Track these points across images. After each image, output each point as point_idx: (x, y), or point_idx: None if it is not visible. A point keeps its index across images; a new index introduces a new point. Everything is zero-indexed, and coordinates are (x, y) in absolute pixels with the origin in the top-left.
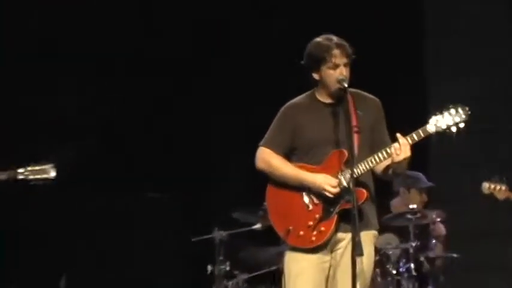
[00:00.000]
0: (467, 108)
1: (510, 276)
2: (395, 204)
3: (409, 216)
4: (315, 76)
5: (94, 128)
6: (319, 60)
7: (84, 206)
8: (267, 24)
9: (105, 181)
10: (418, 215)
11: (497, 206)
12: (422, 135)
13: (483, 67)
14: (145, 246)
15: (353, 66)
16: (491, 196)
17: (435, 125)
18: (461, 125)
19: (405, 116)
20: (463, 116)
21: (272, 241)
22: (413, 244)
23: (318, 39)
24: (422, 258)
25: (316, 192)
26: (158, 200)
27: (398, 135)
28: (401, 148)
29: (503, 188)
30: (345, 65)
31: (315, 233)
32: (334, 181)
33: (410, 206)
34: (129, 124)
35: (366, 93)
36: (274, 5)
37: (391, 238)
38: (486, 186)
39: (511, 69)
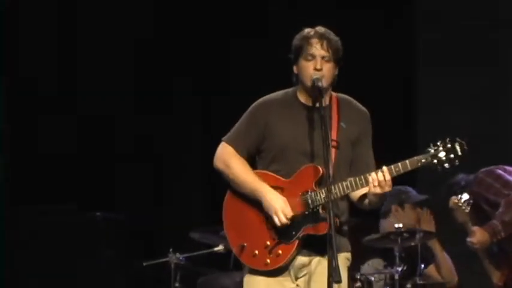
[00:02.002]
0: (464, 144)
1: None
2: (386, 225)
3: (392, 237)
4: (295, 70)
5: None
6: (297, 49)
7: (22, 225)
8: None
9: (46, 198)
10: (405, 235)
11: None
12: (409, 167)
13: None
14: (90, 272)
15: (341, 69)
16: (453, 213)
17: (426, 158)
18: (456, 163)
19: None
20: (459, 153)
21: (237, 265)
22: (399, 269)
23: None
24: (409, 286)
25: (269, 213)
26: (103, 219)
27: (384, 168)
28: (380, 182)
29: (466, 210)
30: (324, 59)
31: (271, 255)
32: (290, 213)
33: (396, 226)
34: (76, 138)
35: (355, 102)
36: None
37: (378, 263)
38: (454, 200)
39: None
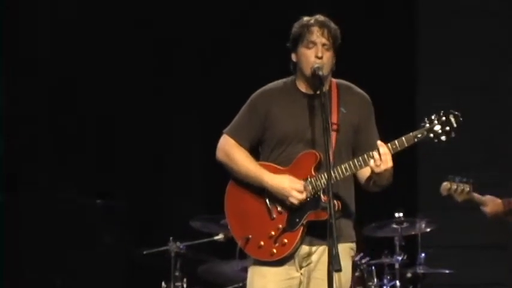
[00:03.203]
0: (459, 115)
1: None
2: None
3: (394, 226)
4: (293, 58)
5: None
6: (296, 37)
7: (22, 212)
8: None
9: (46, 185)
10: (405, 224)
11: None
12: (406, 143)
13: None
14: (90, 260)
15: (340, 55)
16: (450, 198)
17: (422, 132)
18: (452, 135)
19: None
20: (455, 125)
21: (242, 254)
22: (400, 258)
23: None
24: (409, 275)
25: (280, 198)
26: (104, 207)
27: (379, 142)
28: (382, 158)
29: (467, 188)
30: (324, 47)
31: (276, 245)
32: (300, 185)
33: (396, 215)
34: (78, 125)
35: (355, 87)
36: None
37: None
38: (446, 187)
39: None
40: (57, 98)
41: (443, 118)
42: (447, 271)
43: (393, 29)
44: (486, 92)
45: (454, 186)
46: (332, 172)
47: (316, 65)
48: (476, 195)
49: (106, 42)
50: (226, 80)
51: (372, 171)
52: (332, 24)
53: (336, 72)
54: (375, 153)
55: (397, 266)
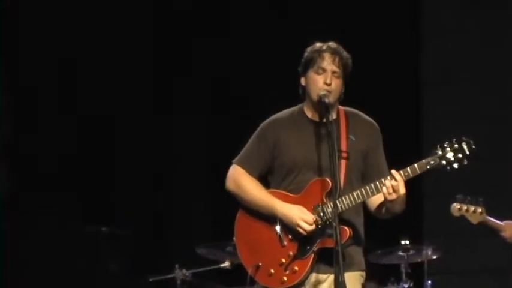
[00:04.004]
0: (472, 143)
1: None
2: None
3: (400, 253)
4: (302, 82)
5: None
6: (308, 61)
7: (25, 239)
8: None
9: (52, 212)
10: (411, 251)
11: (497, 243)
12: (418, 170)
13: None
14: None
15: (349, 84)
16: (464, 218)
17: (435, 159)
18: (465, 162)
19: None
20: (467, 152)
21: (243, 282)
22: (406, 285)
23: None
24: None
25: (291, 226)
26: (109, 234)
27: (393, 171)
28: (394, 185)
29: (479, 210)
30: (334, 74)
31: (287, 272)
32: (310, 217)
33: (403, 242)
34: (82, 151)
35: (363, 115)
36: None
37: None
38: (456, 207)
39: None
40: (58, 117)
41: (456, 145)
42: None
43: (398, 57)
44: (495, 120)
45: (465, 207)
46: (344, 199)
47: (322, 92)
48: (492, 220)
49: (106, 43)
50: (236, 109)
51: (385, 199)
52: (344, 53)
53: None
54: (387, 181)
55: None
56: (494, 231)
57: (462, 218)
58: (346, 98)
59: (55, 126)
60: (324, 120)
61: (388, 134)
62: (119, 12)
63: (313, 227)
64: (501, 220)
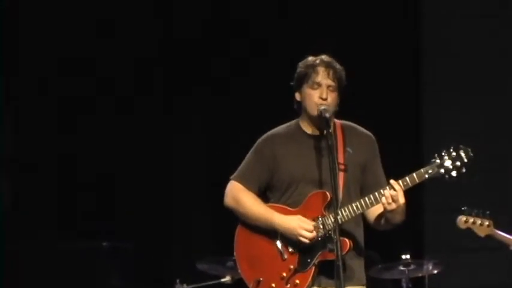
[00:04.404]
0: (469, 151)
1: None
2: None
3: (401, 267)
4: (297, 97)
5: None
6: (302, 76)
7: (25, 256)
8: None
9: (49, 227)
10: (412, 266)
11: (499, 259)
12: (417, 180)
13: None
14: None
15: (344, 96)
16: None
17: (433, 168)
18: (463, 170)
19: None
20: (465, 160)
21: None
22: None
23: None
24: None
25: (290, 238)
26: (110, 248)
27: (391, 181)
28: (393, 195)
29: (486, 223)
30: (329, 88)
31: (288, 286)
32: (310, 225)
33: (404, 257)
34: (79, 162)
35: (358, 127)
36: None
37: None
38: (462, 220)
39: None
40: (55, 128)
41: (454, 153)
42: None
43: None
44: (493, 135)
45: (471, 220)
46: (343, 211)
47: (322, 107)
48: (500, 233)
49: (106, 42)
50: (234, 119)
51: (385, 209)
52: (338, 65)
53: (340, 111)
54: (386, 191)
55: None
56: (502, 245)
57: (464, 233)
58: (346, 102)
59: (55, 132)
60: (325, 133)
61: (388, 138)
62: (121, 11)
63: (314, 234)
64: (510, 234)
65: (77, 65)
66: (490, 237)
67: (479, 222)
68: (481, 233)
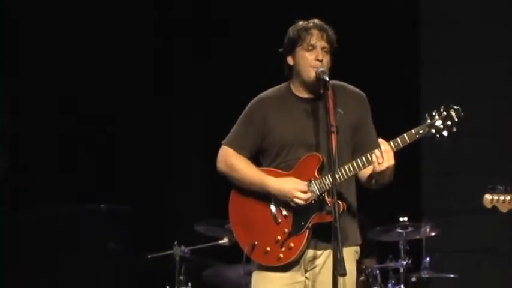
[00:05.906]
0: (460, 110)
1: None
2: None
3: (399, 230)
4: (289, 61)
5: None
6: (294, 40)
7: (24, 219)
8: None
9: (46, 189)
10: (409, 229)
11: (496, 221)
12: (408, 140)
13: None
14: (93, 264)
15: (336, 58)
16: (493, 209)
17: (424, 128)
18: (454, 129)
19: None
20: (456, 119)
21: (241, 258)
22: (404, 263)
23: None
24: (414, 279)
25: (284, 202)
26: (108, 211)
27: (380, 140)
28: (383, 156)
29: (508, 198)
30: (323, 50)
31: (283, 249)
32: (304, 186)
33: (401, 219)
34: (78, 128)
35: (349, 86)
36: None
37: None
38: (488, 199)
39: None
40: (55, 103)
41: (444, 113)
42: (452, 275)
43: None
44: (495, 98)
45: (496, 197)
46: (336, 173)
47: (321, 69)
48: None
49: (104, 43)
50: (231, 84)
51: (374, 170)
52: (330, 28)
53: (337, 73)
54: (377, 151)
55: (401, 270)
56: None
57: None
58: (342, 72)
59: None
60: (314, 96)
61: (387, 101)
62: (119, 12)
63: (309, 195)
64: None
65: (77, 64)
66: (510, 212)
67: (503, 198)
68: (503, 209)
